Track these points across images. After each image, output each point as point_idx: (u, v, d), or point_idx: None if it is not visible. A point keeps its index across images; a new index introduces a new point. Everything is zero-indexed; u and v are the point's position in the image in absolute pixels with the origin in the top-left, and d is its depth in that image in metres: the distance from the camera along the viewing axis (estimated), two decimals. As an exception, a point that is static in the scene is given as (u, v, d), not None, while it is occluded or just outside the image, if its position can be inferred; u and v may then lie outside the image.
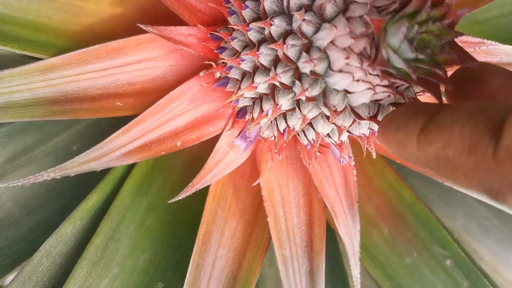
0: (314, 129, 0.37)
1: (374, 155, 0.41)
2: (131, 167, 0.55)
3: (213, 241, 0.51)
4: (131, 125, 0.46)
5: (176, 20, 0.46)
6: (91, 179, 0.57)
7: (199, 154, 0.59)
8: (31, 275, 0.43)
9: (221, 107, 0.43)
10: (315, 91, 0.33)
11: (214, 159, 0.49)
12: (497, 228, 0.79)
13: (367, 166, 0.61)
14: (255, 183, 0.50)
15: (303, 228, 0.51)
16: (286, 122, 0.38)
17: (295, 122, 0.37)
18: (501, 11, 0.55)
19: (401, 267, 0.57)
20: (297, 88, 0.34)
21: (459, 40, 0.46)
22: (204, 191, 0.53)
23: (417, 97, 0.34)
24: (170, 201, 0.49)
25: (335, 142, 0.40)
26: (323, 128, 0.37)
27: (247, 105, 0.44)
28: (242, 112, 0.46)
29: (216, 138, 0.50)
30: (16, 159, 0.50)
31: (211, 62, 0.44)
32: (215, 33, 0.40)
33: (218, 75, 0.46)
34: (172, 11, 0.44)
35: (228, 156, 0.50)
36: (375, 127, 0.38)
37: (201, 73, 0.47)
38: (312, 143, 0.40)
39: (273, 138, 0.50)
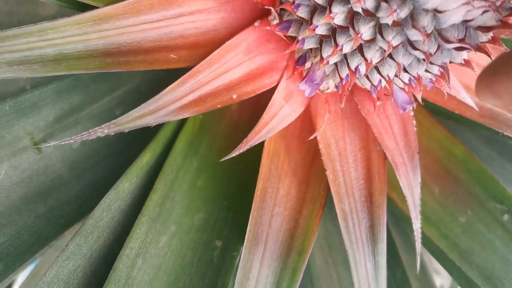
0: (394, 60, 0.36)
1: (446, 94, 0.39)
2: (179, 128, 0.53)
3: (269, 198, 0.50)
4: (187, 77, 0.45)
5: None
6: (136, 144, 0.56)
7: (239, 120, 0.58)
8: (92, 229, 0.42)
9: (288, 49, 0.41)
10: (403, 13, 0.32)
11: (269, 113, 0.48)
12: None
13: (414, 127, 0.60)
14: (312, 137, 0.49)
15: (361, 182, 0.50)
16: (363, 55, 0.36)
17: (373, 54, 0.36)
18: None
19: (455, 225, 0.56)
20: (383, 12, 0.32)
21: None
22: (249, 152, 0.51)
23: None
24: (223, 159, 0.48)
25: (410, 78, 0.39)
26: (404, 58, 0.35)
27: (308, 50, 0.43)
28: (302, 60, 0.44)
29: (256, 99, 0.49)
30: (64, 119, 0.49)
31: (270, 7, 0.42)
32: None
33: (274, 23, 0.45)
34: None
35: (283, 110, 0.49)
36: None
37: (256, 23, 0.46)
38: (387, 79, 0.38)
39: (329, 90, 0.49)
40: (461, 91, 0.49)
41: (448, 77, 0.37)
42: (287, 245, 0.49)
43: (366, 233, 0.49)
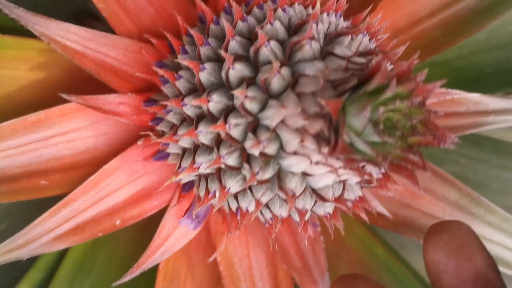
0: (270, 210, 0.32)
1: (342, 232, 0.36)
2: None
3: (167, 329, 0.45)
4: (60, 206, 0.40)
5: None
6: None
7: (148, 223, 0.53)
8: None
9: (161, 186, 0.37)
10: (267, 174, 0.28)
11: (162, 234, 0.43)
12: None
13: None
14: (211, 259, 0.44)
15: (270, 305, 0.45)
16: (238, 203, 0.32)
17: (248, 204, 0.32)
18: (460, 52, 0.51)
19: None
20: (246, 172, 0.28)
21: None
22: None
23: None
24: (114, 284, 0.43)
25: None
26: (281, 209, 0.31)
27: (193, 179, 0.38)
28: (188, 186, 0.40)
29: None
30: None
31: (147, 133, 0.38)
32: (149, 102, 0.34)
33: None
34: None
35: (179, 229, 0.44)
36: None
37: (139, 142, 0.41)
38: (271, 222, 0.34)
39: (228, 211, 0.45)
40: (372, 199, 0.45)
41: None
42: None
43: None
